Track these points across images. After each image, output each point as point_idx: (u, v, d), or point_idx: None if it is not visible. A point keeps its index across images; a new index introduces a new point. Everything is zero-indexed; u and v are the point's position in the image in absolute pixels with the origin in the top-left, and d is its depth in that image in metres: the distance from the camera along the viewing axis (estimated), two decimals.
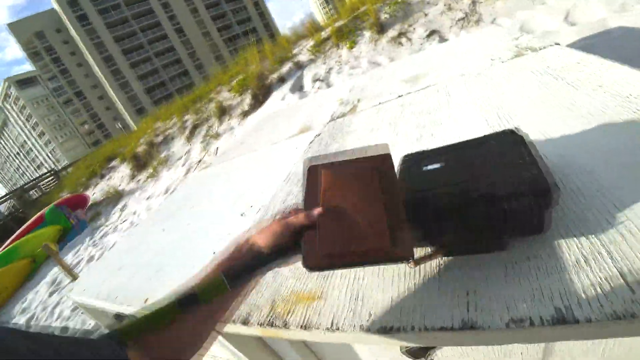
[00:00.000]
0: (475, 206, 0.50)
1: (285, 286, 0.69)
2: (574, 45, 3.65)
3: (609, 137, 0.69)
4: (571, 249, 0.49)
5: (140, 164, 7.27)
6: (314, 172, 0.59)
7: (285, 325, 0.60)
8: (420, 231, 0.54)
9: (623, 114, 0.73)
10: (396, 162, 0.60)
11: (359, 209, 0.51)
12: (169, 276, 1.02)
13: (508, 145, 0.61)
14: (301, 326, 0.58)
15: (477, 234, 0.53)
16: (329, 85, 4.21)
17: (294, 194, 1.08)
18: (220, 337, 0.76)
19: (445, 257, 0.57)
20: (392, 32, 4.43)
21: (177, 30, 55.52)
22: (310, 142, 1.54)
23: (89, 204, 7.30)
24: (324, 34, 5.08)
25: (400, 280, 0.57)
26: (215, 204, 1.46)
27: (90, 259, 4.68)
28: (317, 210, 0.52)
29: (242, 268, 0.50)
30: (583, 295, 0.41)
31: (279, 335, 0.63)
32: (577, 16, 3.96)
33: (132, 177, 7.28)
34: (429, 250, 0.57)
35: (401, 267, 0.60)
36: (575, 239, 0.50)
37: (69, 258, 5.07)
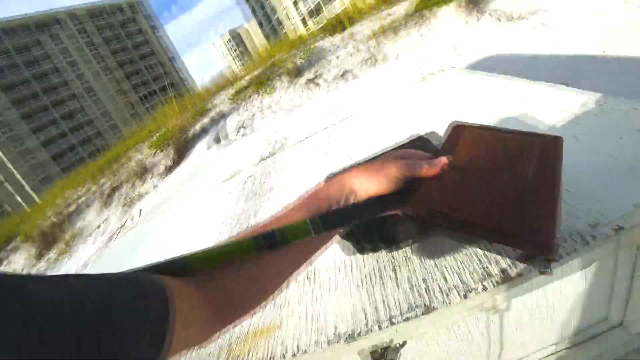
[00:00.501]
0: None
1: (241, 326, 0.64)
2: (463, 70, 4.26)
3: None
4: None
5: (48, 240, 6.37)
6: (460, 132, 0.53)
7: None
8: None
9: (504, 118, 0.87)
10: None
11: (506, 183, 0.43)
12: None
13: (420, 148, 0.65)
14: None
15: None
16: (253, 131, 4.25)
17: (233, 236, 1.02)
18: None
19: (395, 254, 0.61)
20: (308, 75, 4.71)
21: (87, 90, 52.27)
22: (244, 183, 1.49)
23: None
24: (243, 82, 5.19)
25: (359, 288, 0.58)
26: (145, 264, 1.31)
27: None
28: (444, 159, 0.46)
29: (336, 215, 0.43)
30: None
31: None
32: (463, 48, 4.64)
33: (39, 256, 6.31)
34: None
35: (356, 277, 0.60)
36: None
37: None
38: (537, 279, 0.47)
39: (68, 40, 50.44)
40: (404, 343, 0.63)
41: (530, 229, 0.38)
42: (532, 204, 0.40)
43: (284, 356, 0.53)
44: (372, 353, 0.63)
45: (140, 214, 4.71)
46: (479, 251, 0.52)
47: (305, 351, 0.52)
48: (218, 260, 0.38)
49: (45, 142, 49.56)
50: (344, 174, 0.46)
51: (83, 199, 6.67)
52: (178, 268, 0.36)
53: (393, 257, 0.60)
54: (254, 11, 55.16)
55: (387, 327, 0.49)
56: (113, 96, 54.28)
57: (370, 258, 0.63)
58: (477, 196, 0.43)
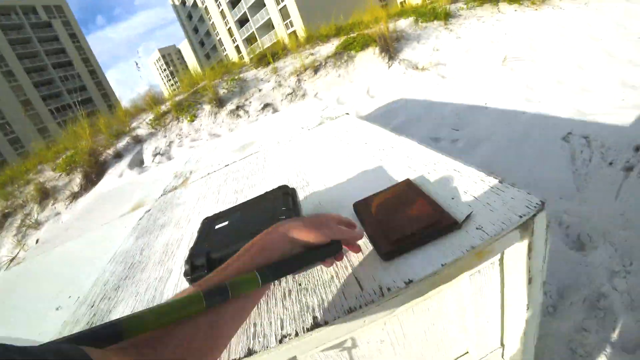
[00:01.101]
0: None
1: None
2: (373, 112, 4.74)
3: (364, 180, 1.01)
4: (327, 270, 0.69)
5: None
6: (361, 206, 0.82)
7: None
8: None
9: (374, 162, 1.09)
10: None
11: (407, 207, 0.73)
12: None
13: (279, 197, 0.83)
14: None
15: None
16: (170, 159, 4.19)
17: (117, 274, 1.09)
18: None
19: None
20: (230, 106, 4.83)
21: None
22: (140, 219, 1.55)
23: None
24: (164, 107, 5.12)
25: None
26: (27, 307, 1.29)
27: None
28: (361, 232, 0.67)
29: (282, 265, 0.50)
30: (333, 300, 0.61)
31: None
32: (375, 90, 5.16)
33: None
34: None
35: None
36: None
37: None
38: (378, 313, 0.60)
39: None
40: None
41: (442, 215, 0.68)
42: (424, 207, 0.71)
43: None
44: None
45: (36, 244, 4.26)
46: (307, 299, 0.68)
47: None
48: (164, 321, 0.37)
49: None
50: (287, 224, 0.56)
51: None
52: (112, 334, 0.33)
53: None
54: (186, 32, 54.00)
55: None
56: (16, 106, 47.86)
57: None
58: (408, 217, 0.70)
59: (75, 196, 4.55)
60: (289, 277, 0.72)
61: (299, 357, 0.64)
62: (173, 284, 0.88)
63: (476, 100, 4.29)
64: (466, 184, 0.80)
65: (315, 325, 0.58)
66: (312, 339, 0.59)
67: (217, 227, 0.80)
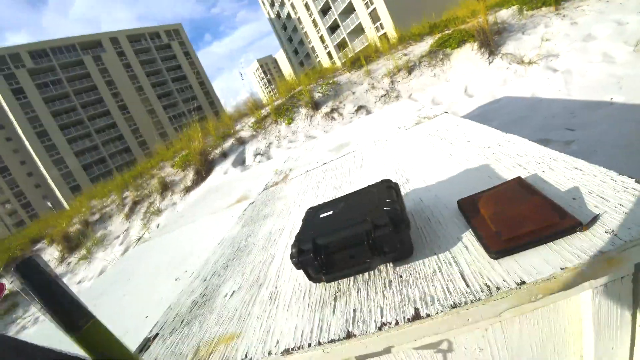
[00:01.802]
0: (351, 240, 0.70)
1: (210, 333, 0.80)
2: (471, 112, 4.42)
3: (467, 178, 0.95)
4: (430, 263, 0.68)
5: (71, 245, 6.73)
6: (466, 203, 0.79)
7: None
8: (318, 263, 0.71)
9: (479, 160, 1.01)
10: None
11: (520, 206, 0.69)
12: None
13: (382, 190, 0.82)
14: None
15: (356, 260, 0.71)
16: (269, 158, 4.50)
17: (226, 255, 1.20)
18: None
19: (343, 282, 0.73)
20: (325, 109, 4.98)
21: (121, 107, 55.25)
22: (245, 210, 1.70)
23: (4, 294, 6.42)
24: (264, 112, 5.53)
25: (304, 311, 0.72)
26: (152, 274, 1.52)
27: None
28: None
29: None
30: (435, 295, 0.60)
31: None
32: (473, 89, 4.81)
33: (62, 260, 6.66)
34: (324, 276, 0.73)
35: (307, 301, 0.75)
36: (434, 256, 0.69)
37: None
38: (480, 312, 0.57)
39: (107, 61, 53.89)
40: None
41: (562, 215, 0.62)
42: (540, 206, 0.66)
43: None
44: None
45: (158, 227, 4.98)
46: (408, 291, 0.68)
47: (251, 358, 0.65)
48: None
49: (78, 152, 52.14)
50: None
51: (107, 209, 7.06)
52: None
53: (338, 289, 0.73)
54: (281, 43, 57.58)
55: (314, 346, 0.61)
56: (144, 115, 56.97)
57: (322, 286, 0.76)
58: (514, 220, 0.66)
59: (188, 189, 5.21)
60: (389, 267, 0.72)
61: (395, 349, 0.63)
62: (275, 267, 0.94)
63: (597, 96, 3.67)
64: (591, 183, 0.71)
65: (417, 316, 0.57)
66: (411, 330, 0.58)
67: (321, 215, 0.83)
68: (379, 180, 0.94)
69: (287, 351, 0.64)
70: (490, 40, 5.23)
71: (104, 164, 53.69)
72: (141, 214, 5.71)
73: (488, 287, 0.57)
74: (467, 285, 0.59)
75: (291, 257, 0.73)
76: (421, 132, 1.63)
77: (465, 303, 0.56)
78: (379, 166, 1.40)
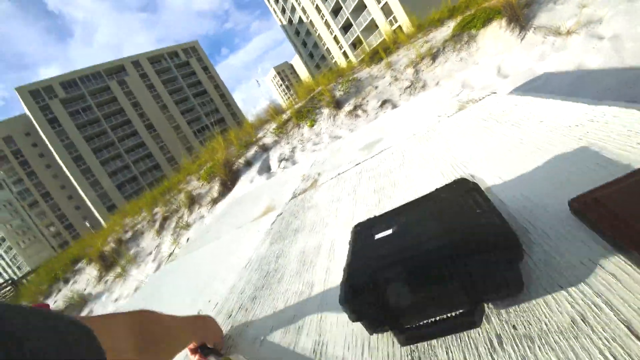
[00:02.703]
0: (431, 273, 0.46)
1: None
2: (509, 93, 4.05)
3: (560, 169, 0.69)
4: (561, 305, 0.42)
5: (107, 264, 6.83)
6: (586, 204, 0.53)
7: None
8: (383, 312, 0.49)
9: (568, 144, 0.75)
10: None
11: None
12: None
13: (461, 195, 0.59)
14: None
15: (442, 305, 0.47)
16: (294, 163, 4.32)
17: (253, 282, 1.00)
18: None
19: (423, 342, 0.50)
20: (347, 107, 4.75)
21: (147, 126, 57.31)
22: (272, 223, 1.50)
23: None
24: (285, 116, 5.37)
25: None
26: (176, 303, 1.34)
27: None
28: None
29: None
30: None
31: None
32: (507, 69, 4.44)
33: (99, 278, 6.77)
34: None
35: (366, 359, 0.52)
36: (562, 292, 0.44)
37: None
38: None
39: (132, 84, 56.17)
40: None
41: None
42: None
43: None
44: None
45: (187, 241, 4.92)
46: (538, 355, 0.41)
47: None
48: None
49: (111, 173, 54.60)
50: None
51: (138, 226, 7.13)
52: None
53: (416, 347, 0.49)
54: (296, 48, 57.79)
55: None
56: (170, 131, 58.86)
57: (388, 338, 0.53)
58: None
59: (215, 201, 5.12)
60: (488, 309, 0.48)
61: None
62: (316, 303, 0.72)
63: None
64: None
65: None
66: None
67: (377, 236, 0.60)
68: (450, 181, 0.70)
69: None
70: (519, 15, 4.82)
71: (135, 182, 55.97)
72: (171, 229, 5.68)
73: None
74: None
75: (341, 302, 0.51)
76: (469, 117, 1.37)
77: None
78: (427, 162, 1.15)
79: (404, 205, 0.68)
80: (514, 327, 0.44)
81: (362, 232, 0.66)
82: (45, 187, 58.39)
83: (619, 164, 0.61)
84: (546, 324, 0.42)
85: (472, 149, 1.04)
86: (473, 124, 1.26)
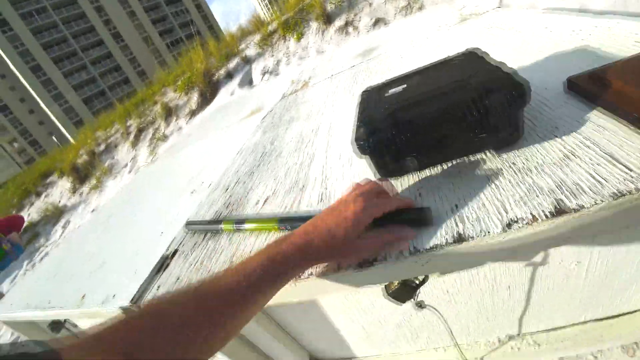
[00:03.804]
0: (454, 106, 0.47)
1: (245, 244, 0.62)
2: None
3: (562, 61, 0.70)
4: (554, 146, 0.48)
5: (81, 176, 6.69)
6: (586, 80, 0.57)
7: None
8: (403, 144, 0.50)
9: (572, 43, 0.75)
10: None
11: None
12: (110, 269, 0.89)
13: (472, 60, 0.58)
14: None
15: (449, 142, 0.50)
16: (277, 76, 4.13)
17: (249, 163, 1.00)
18: None
19: (426, 174, 0.54)
20: (338, 22, 4.44)
21: (114, 36, 52.12)
22: (263, 118, 1.46)
23: (24, 225, 6.57)
24: (270, 28, 4.98)
25: None
26: (165, 191, 1.34)
27: None
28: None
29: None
30: (580, 183, 0.40)
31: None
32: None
33: (74, 190, 6.68)
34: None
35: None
36: (556, 138, 0.49)
37: (5, 286, 4.53)
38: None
39: None
40: (425, 279, 0.60)
41: None
42: None
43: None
44: (386, 287, 0.60)
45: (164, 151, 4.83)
46: (534, 179, 0.45)
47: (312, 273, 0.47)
48: None
49: (76, 86, 50.73)
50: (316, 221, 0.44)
51: (112, 139, 6.88)
52: None
53: (419, 180, 0.54)
54: None
55: (410, 253, 0.43)
56: (140, 43, 53.93)
57: (394, 182, 0.56)
58: None
59: (193, 113, 4.93)
60: (489, 155, 0.52)
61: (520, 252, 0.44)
62: (319, 166, 0.74)
63: None
64: None
65: (560, 210, 0.38)
66: (557, 226, 0.39)
67: (389, 92, 0.59)
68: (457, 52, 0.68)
69: (368, 263, 0.44)
70: None
71: (104, 97, 52.53)
72: (147, 141, 5.51)
73: None
74: (629, 169, 0.38)
75: (357, 140, 0.51)
76: (472, 27, 1.30)
77: (637, 190, 0.36)
78: (429, 61, 1.11)
79: (414, 70, 0.67)
80: (513, 163, 0.49)
81: (372, 93, 0.65)
82: (1, 99, 53.89)
83: (617, 56, 0.62)
84: (542, 159, 0.47)
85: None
86: (476, 32, 1.21)
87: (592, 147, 0.44)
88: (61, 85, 48.81)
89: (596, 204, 0.36)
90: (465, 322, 0.82)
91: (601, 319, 0.78)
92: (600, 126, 0.47)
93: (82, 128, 11.14)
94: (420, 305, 0.63)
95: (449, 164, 0.54)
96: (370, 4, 4.65)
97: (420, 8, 4.54)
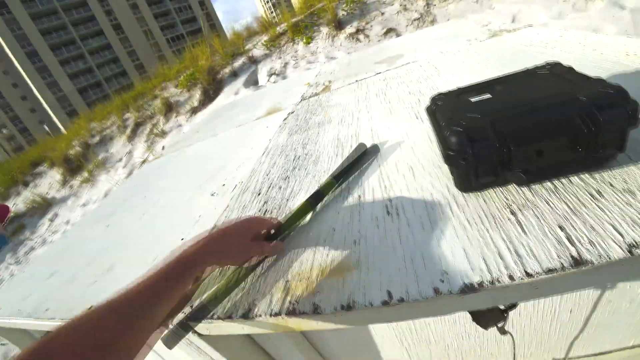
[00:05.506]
0: (567, 119, 0.43)
1: (302, 261, 0.53)
2: None
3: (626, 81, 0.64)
4: None
5: (72, 167, 6.50)
6: None
7: (316, 310, 0.44)
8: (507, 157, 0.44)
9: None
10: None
11: None
12: (121, 275, 0.80)
13: (562, 73, 0.52)
14: (342, 307, 0.43)
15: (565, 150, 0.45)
16: (284, 79, 4.06)
17: (280, 165, 0.92)
18: (195, 341, 0.58)
19: (522, 189, 0.48)
20: (349, 29, 4.41)
21: (115, 27, 51.64)
22: (285, 119, 1.39)
23: (10, 215, 6.32)
24: (279, 29, 4.92)
25: (462, 230, 0.45)
26: (179, 191, 1.25)
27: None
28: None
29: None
30: None
31: (308, 326, 0.46)
32: (523, 19, 4.23)
33: (64, 182, 6.48)
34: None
35: (458, 217, 0.48)
36: None
37: None
38: None
39: None
40: (515, 304, 0.54)
41: None
42: None
43: (370, 304, 0.42)
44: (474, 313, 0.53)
45: (163, 149, 4.70)
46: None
47: (403, 299, 0.40)
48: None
49: (72, 75, 50.02)
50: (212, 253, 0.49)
51: (107, 131, 6.72)
52: None
53: (507, 198, 0.47)
54: None
55: (512, 278, 0.37)
56: (140, 35, 53.51)
57: (475, 198, 0.50)
58: None
59: (194, 110, 4.83)
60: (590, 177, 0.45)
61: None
62: (375, 173, 0.66)
63: None
64: None
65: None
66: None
67: (474, 99, 0.52)
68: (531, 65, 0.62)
69: (470, 288, 0.38)
70: None
71: (99, 88, 51.84)
72: (144, 136, 5.37)
73: None
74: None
75: (450, 148, 0.44)
76: (506, 44, 1.25)
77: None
78: (469, 74, 1.05)
79: (494, 78, 0.60)
80: (610, 183, 0.44)
81: (450, 99, 0.58)
82: None
83: None
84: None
85: (516, 66, 0.96)
86: (514, 48, 1.15)
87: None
88: (56, 73, 48.04)
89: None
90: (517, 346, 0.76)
91: None
92: None
93: (76, 118, 10.88)
94: (503, 331, 0.56)
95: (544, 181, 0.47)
96: (383, 14, 4.65)
97: (432, 22, 4.55)
